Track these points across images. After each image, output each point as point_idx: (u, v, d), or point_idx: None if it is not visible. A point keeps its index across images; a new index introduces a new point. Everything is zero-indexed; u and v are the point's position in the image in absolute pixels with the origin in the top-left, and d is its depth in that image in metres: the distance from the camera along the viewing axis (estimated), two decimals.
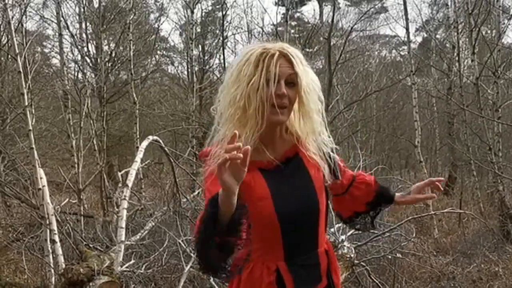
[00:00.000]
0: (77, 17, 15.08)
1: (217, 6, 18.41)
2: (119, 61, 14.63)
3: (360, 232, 6.76)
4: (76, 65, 14.89)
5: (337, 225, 5.88)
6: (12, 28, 6.61)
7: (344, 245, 5.50)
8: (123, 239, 6.12)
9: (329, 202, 2.22)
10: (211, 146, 2.03)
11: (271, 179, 2.04)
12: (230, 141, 1.63)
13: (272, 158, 2.06)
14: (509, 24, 11.85)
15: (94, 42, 15.48)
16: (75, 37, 14.25)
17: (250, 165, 1.86)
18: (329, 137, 2.15)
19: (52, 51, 17.21)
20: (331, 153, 2.16)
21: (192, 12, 14.41)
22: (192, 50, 14.70)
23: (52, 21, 14.22)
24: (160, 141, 7.28)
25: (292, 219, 2.04)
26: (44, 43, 17.57)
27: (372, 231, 7.01)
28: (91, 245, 6.29)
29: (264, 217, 2.02)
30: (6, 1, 6.91)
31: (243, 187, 1.81)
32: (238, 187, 1.68)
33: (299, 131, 2.09)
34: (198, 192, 8.56)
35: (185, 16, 17.44)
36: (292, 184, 2.06)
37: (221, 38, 15.26)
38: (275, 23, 14.83)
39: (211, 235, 1.73)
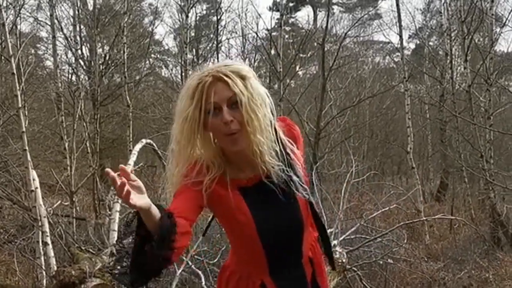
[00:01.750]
0: (71, 20, 15.07)
1: (212, 11, 18.47)
2: (113, 64, 14.61)
3: (352, 236, 6.79)
4: (70, 68, 14.90)
5: (329, 230, 5.90)
6: (6, 29, 6.62)
7: (336, 250, 5.51)
8: (115, 242, 6.11)
9: (315, 208, 2.15)
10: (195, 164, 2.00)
11: (251, 199, 2.00)
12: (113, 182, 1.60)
13: (245, 177, 2.02)
14: (501, 32, 11.90)
15: (88, 45, 15.47)
16: (69, 39, 14.24)
17: (230, 183, 1.96)
18: (276, 156, 2.00)
19: (46, 53, 17.20)
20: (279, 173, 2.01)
21: (187, 16, 14.42)
22: (186, 54, 14.71)
23: (46, 23, 14.21)
24: (154, 144, 7.28)
25: (276, 239, 2.02)
26: (38, 45, 17.55)
27: (364, 236, 7.03)
28: (83, 248, 6.27)
29: (245, 237, 2.02)
30: (0, 3, 6.90)
31: (219, 206, 1.96)
32: (144, 206, 1.68)
33: (261, 155, 1.96)
34: None
35: (179, 20, 17.49)
36: (274, 203, 2.01)
37: (215, 42, 15.29)
38: (269, 28, 14.85)
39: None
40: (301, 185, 2.02)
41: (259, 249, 2.02)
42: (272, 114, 1.96)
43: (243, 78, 1.90)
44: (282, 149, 2.00)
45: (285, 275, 2.08)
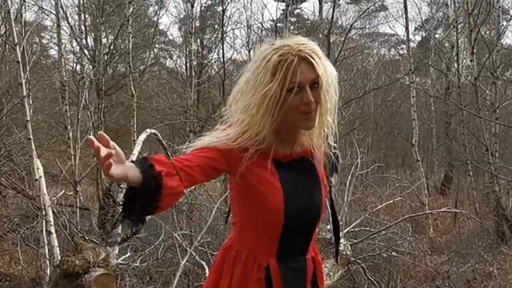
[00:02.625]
0: (76, 9, 15.05)
1: (217, 1, 18.38)
2: (117, 54, 14.58)
3: (356, 229, 6.77)
4: (74, 57, 14.86)
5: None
6: (12, 17, 6.58)
7: (341, 243, 5.49)
8: (119, 232, 6.10)
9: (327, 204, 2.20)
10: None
11: (284, 174, 2.02)
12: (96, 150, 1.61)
13: (286, 152, 2.05)
14: (508, 25, 11.87)
15: (93, 34, 15.45)
16: (74, 28, 14.19)
17: (265, 154, 1.98)
18: (334, 140, 2.11)
19: (50, 42, 17.18)
20: (332, 156, 2.14)
21: (192, 6, 14.35)
22: (191, 44, 14.64)
23: (51, 12, 14.16)
24: (158, 134, 7.25)
25: (297, 219, 2.03)
26: (43, 34, 17.51)
27: (368, 229, 7.01)
28: (86, 237, 6.27)
29: (268, 212, 2.01)
30: None
31: (252, 175, 1.96)
32: (123, 174, 1.70)
33: (314, 132, 2.05)
34: (195, 187, 8.53)
35: (184, 10, 17.40)
36: (303, 185, 2.05)
37: (220, 33, 15.20)
38: (274, 19, 14.78)
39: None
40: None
41: (277, 227, 2.02)
42: (336, 94, 2.01)
43: (320, 58, 1.93)
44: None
45: (290, 264, 2.08)
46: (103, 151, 1.61)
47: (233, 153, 1.97)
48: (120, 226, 2.01)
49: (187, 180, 1.88)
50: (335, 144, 2.10)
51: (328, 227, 5.77)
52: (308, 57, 1.90)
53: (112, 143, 1.70)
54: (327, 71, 1.94)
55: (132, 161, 1.82)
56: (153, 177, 1.79)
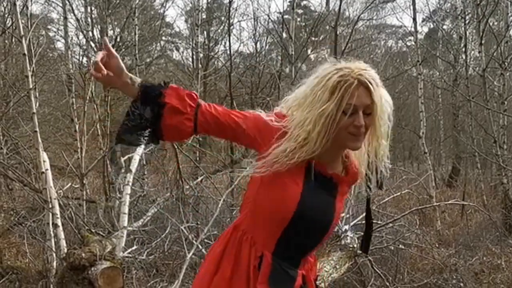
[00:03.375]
0: (83, 1, 15.04)
1: None
2: (124, 46, 14.58)
3: (363, 221, 6.74)
4: (81, 49, 14.86)
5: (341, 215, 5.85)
6: (18, 10, 6.56)
7: (347, 235, 5.47)
8: (125, 224, 6.12)
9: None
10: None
11: (309, 182, 2.08)
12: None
13: (321, 167, 2.12)
14: None
15: (99, 27, 15.45)
16: (80, 21, 14.18)
17: (302, 162, 2.05)
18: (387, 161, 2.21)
19: (57, 34, 17.19)
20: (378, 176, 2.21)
21: None
22: (197, 36, 14.61)
23: (58, 5, 14.16)
24: None
25: (304, 224, 2.10)
26: (49, 27, 17.52)
27: (375, 221, 6.98)
28: (93, 230, 6.28)
29: (282, 203, 2.07)
30: None
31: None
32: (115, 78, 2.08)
33: (361, 154, 2.16)
34: (201, 179, 8.53)
35: (191, 2, 17.36)
36: (323, 202, 2.13)
37: (226, 25, 15.15)
38: (281, 11, 14.73)
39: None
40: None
41: (281, 223, 2.10)
42: (389, 120, 2.10)
43: (377, 85, 2.02)
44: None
45: (283, 265, 2.15)
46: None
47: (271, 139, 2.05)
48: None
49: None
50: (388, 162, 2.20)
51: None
52: (367, 82, 1.98)
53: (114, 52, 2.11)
54: (382, 99, 2.01)
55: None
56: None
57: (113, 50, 2.10)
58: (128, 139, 2.08)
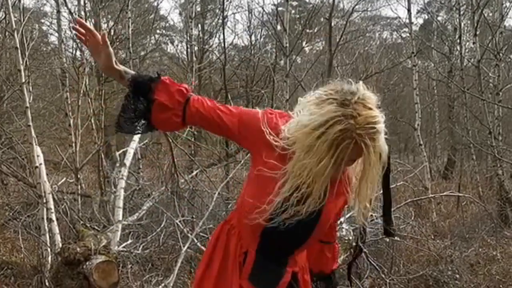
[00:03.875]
0: None
1: None
2: (117, 40, 14.49)
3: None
4: (74, 43, 14.77)
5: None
6: (9, 3, 6.51)
7: (343, 227, 5.47)
8: (120, 219, 6.11)
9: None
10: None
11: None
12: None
13: None
14: (511, 7, 11.71)
15: (93, 20, 15.31)
16: (74, 14, 14.09)
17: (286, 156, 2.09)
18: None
19: (50, 28, 17.09)
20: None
21: None
22: (191, 29, 14.54)
23: None
24: None
25: (275, 234, 2.13)
26: (42, 20, 17.43)
27: (370, 213, 6.98)
28: (88, 225, 6.26)
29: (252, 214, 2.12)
30: None
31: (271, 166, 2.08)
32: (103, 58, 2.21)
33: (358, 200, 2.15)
34: (196, 173, 8.52)
35: None
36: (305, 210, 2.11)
37: (221, 18, 15.09)
38: (275, 3, 14.69)
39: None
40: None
41: (257, 230, 2.16)
42: (383, 165, 2.07)
43: (375, 139, 1.98)
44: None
45: (267, 262, 2.22)
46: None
47: (262, 143, 2.10)
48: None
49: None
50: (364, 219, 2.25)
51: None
52: (363, 146, 1.95)
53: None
54: (376, 152, 1.99)
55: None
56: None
57: (94, 30, 2.25)
58: (126, 128, 2.19)
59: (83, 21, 2.22)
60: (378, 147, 1.98)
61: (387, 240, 6.54)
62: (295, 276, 2.27)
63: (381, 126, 2.00)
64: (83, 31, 2.18)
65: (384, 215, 2.39)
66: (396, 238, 5.89)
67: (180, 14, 20.52)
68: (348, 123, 1.92)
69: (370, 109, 1.98)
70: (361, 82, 2.09)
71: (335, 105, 1.95)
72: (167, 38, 21.57)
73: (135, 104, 2.14)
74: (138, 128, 2.19)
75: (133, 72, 2.21)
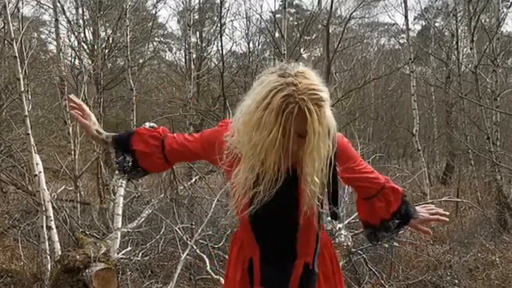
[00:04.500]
0: (74, 3, 14.99)
1: None
2: (116, 48, 14.55)
3: (357, 219, 6.73)
4: (73, 51, 14.80)
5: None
6: (8, 13, 6.54)
7: (341, 234, 5.49)
8: (119, 226, 6.11)
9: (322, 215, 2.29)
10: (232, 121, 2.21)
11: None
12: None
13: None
14: (508, 12, 11.77)
15: (91, 28, 15.40)
16: (72, 23, 14.15)
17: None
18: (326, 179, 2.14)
19: (49, 36, 17.13)
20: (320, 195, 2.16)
21: None
22: (189, 37, 14.60)
23: (49, 7, 14.12)
24: None
25: (264, 224, 2.18)
26: (41, 29, 17.48)
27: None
28: (87, 232, 6.27)
29: (239, 204, 2.15)
30: None
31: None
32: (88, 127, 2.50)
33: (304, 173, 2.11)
34: (195, 180, 8.53)
35: (182, 3, 17.33)
36: (279, 194, 2.10)
37: (219, 25, 15.14)
38: (273, 10, 14.74)
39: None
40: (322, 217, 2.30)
41: (249, 230, 2.22)
42: (333, 144, 2.10)
43: (320, 107, 2.01)
44: (329, 180, 2.14)
45: (273, 264, 2.22)
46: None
47: (216, 150, 2.20)
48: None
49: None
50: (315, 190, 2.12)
51: (329, 218, 5.75)
52: (306, 111, 1.97)
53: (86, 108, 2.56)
54: (321, 123, 2.01)
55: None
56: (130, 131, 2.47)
57: (82, 104, 2.57)
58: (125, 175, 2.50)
59: (75, 98, 2.51)
60: (322, 116, 2.01)
61: (386, 245, 6.55)
62: (307, 267, 2.24)
63: (324, 96, 2.03)
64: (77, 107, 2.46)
65: (330, 204, 2.27)
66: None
67: (178, 22, 20.61)
68: (290, 89, 1.97)
69: (311, 79, 2.03)
70: (301, 62, 2.14)
71: (275, 76, 2.01)
72: (165, 45, 21.63)
73: (122, 159, 2.41)
74: (136, 173, 2.49)
75: (112, 134, 2.52)
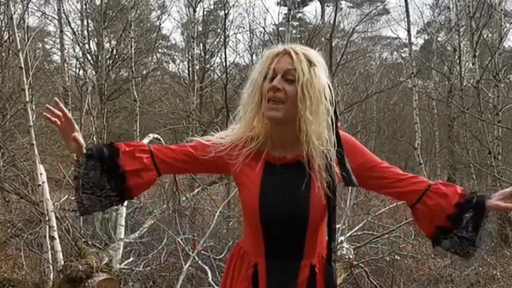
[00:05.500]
0: (79, 14, 15.11)
1: (219, 5, 18.42)
2: (120, 59, 14.62)
3: (359, 232, 6.73)
4: (77, 62, 14.92)
5: (336, 226, 5.88)
6: (14, 23, 6.61)
7: (343, 246, 5.50)
8: (122, 236, 6.12)
9: (332, 215, 2.11)
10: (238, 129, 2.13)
11: (269, 173, 2.05)
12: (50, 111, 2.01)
13: (280, 155, 2.07)
14: (510, 28, 11.84)
15: (95, 39, 15.48)
16: (77, 33, 14.25)
17: (257, 154, 2.07)
18: (334, 144, 2.01)
19: (53, 47, 17.24)
20: (332, 163, 2.00)
21: (194, 11, 14.39)
22: (193, 48, 14.68)
23: (54, 18, 14.24)
24: (161, 139, 7.28)
25: (274, 217, 2.03)
26: (46, 40, 17.58)
27: (371, 232, 7.00)
28: (90, 242, 6.29)
29: (247, 204, 2.08)
30: None
31: (242, 174, 2.08)
32: (68, 138, 2.09)
33: (307, 134, 1.98)
34: (198, 191, 8.55)
35: (187, 15, 17.48)
36: (288, 186, 2.03)
37: (222, 37, 15.23)
38: (277, 23, 14.82)
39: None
40: (334, 178, 2.01)
41: (257, 226, 2.06)
42: (331, 105, 2.00)
43: (310, 62, 1.95)
44: (335, 143, 2.01)
45: (279, 267, 2.08)
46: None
47: (227, 155, 2.09)
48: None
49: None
50: (322, 147, 1.99)
51: None
52: (292, 52, 1.95)
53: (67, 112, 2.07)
54: (311, 73, 1.94)
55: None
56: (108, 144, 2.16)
57: (66, 111, 2.09)
58: (94, 206, 2.14)
59: (59, 102, 2.06)
60: (313, 71, 1.94)
61: (388, 259, 6.57)
62: (313, 269, 2.10)
63: (317, 58, 1.98)
64: (58, 113, 2.03)
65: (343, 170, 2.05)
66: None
67: (182, 33, 20.73)
68: (278, 47, 2.00)
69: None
70: None
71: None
72: (169, 57, 21.73)
73: (108, 186, 2.09)
74: (107, 202, 2.13)
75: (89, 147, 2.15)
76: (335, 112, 2.02)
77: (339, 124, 2.07)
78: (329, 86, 2.00)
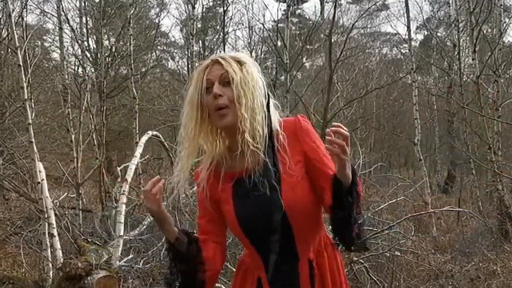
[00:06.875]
0: (78, 12, 15.09)
1: (218, 2, 18.39)
2: (119, 56, 14.61)
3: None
4: (76, 60, 14.88)
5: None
6: (13, 21, 6.60)
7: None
8: (121, 234, 6.11)
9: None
10: (200, 169, 2.14)
11: (239, 189, 2.04)
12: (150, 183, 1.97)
13: (243, 166, 2.02)
14: (510, 23, 11.83)
15: (95, 37, 15.49)
16: (76, 31, 14.23)
17: (224, 176, 2.06)
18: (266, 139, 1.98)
19: (52, 45, 17.22)
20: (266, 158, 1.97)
21: (193, 8, 14.33)
22: (192, 45, 14.64)
23: (53, 15, 14.22)
24: (160, 136, 7.27)
25: (254, 226, 2.03)
26: (44, 37, 17.56)
27: (371, 228, 7.00)
28: (89, 240, 6.28)
29: (229, 222, 2.09)
30: None
31: (220, 202, 2.08)
32: (160, 213, 2.00)
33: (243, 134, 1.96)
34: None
35: (185, 12, 17.47)
36: (256, 192, 1.98)
37: (222, 34, 15.21)
38: (276, 19, 14.81)
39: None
40: (272, 178, 1.96)
41: (246, 240, 2.08)
42: (265, 98, 2.00)
43: (239, 63, 1.99)
44: (269, 137, 1.98)
45: (279, 274, 2.07)
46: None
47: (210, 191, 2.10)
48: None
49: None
50: (254, 144, 1.96)
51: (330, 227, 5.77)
52: (219, 59, 1.98)
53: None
54: (242, 71, 1.96)
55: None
56: (193, 240, 2.06)
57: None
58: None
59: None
60: (244, 69, 1.97)
61: (388, 254, 6.56)
62: (311, 264, 2.07)
63: (246, 58, 2.02)
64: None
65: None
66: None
67: (181, 30, 20.73)
68: (206, 61, 2.03)
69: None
70: None
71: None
72: (168, 54, 21.73)
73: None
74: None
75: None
76: (268, 105, 2.01)
77: (278, 113, 2.07)
78: (262, 81, 2.02)
